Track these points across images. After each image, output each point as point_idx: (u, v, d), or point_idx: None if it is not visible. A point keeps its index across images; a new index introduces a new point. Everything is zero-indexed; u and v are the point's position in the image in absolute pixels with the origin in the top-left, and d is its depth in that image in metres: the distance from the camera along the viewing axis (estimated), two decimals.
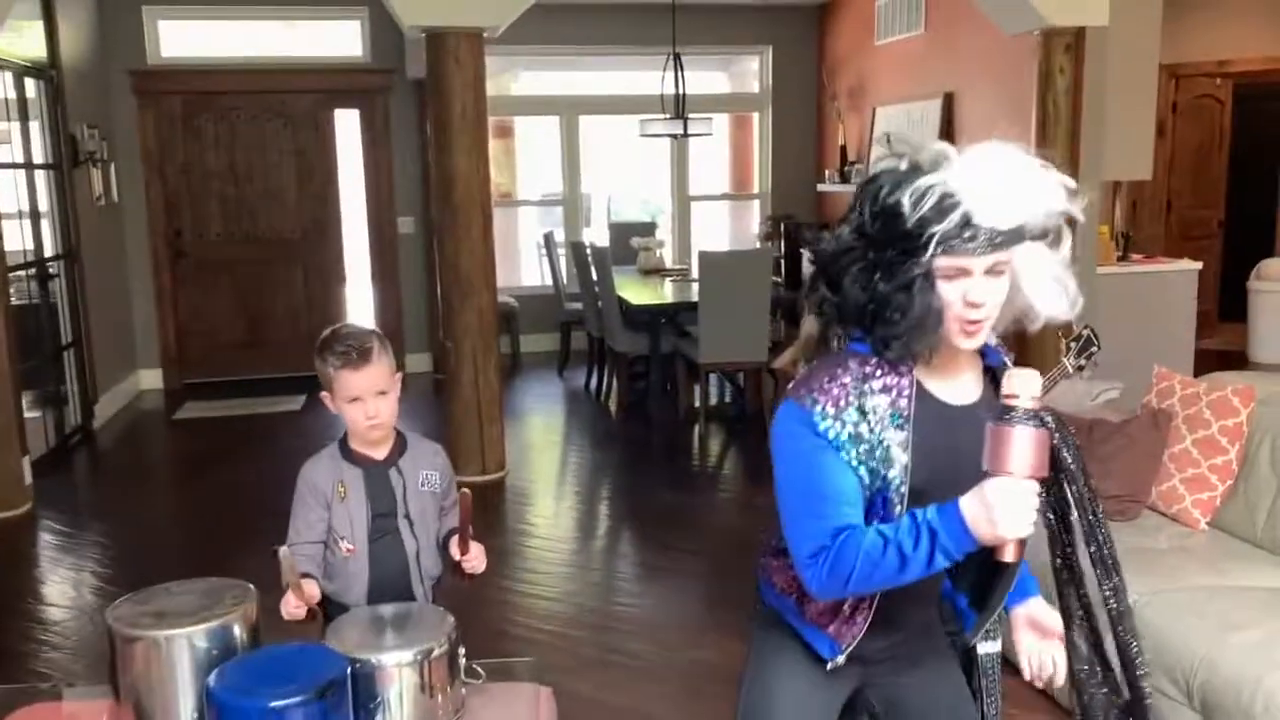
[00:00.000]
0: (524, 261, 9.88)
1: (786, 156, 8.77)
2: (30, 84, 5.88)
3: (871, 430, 1.49)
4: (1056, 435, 1.44)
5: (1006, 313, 1.52)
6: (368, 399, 2.01)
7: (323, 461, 2.10)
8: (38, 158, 5.94)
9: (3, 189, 5.17)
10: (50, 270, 6.07)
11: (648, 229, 8.50)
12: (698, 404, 6.24)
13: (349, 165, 7.79)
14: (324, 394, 2.12)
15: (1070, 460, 1.50)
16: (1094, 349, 2.78)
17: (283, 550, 1.86)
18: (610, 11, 8.05)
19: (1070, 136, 5.41)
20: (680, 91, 7.00)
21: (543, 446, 6.27)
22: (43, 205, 5.99)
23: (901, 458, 1.49)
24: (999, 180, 1.41)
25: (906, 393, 1.51)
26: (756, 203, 9.20)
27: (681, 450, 6.09)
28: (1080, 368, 2.83)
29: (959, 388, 1.57)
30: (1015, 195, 1.41)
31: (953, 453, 1.51)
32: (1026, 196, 1.42)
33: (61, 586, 4.22)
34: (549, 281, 8.10)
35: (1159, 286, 5.75)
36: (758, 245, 8.49)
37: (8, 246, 5.16)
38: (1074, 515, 1.55)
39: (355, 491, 2.05)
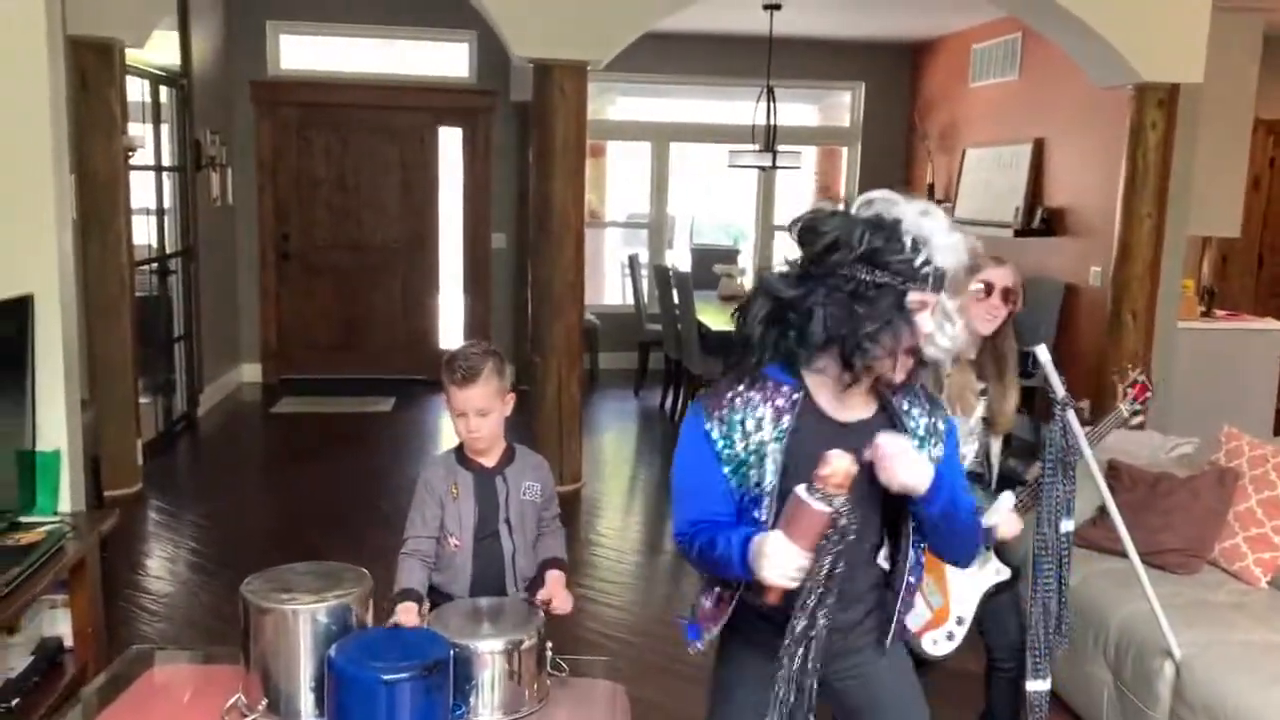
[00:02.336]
0: (607, 280, 10.13)
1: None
2: (164, 91, 6.30)
3: (749, 441, 1.73)
4: (842, 518, 1.62)
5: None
6: (470, 415, 2.23)
7: (439, 464, 2.33)
8: (165, 160, 6.36)
9: (136, 188, 5.55)
10: (170, 266, 6.48)
11: (730, 255, 8.69)
12: None
13: (449, 181, 8.12)
14: (445, 401, 2.35)
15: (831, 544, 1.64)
16: (1149, 395, 2.86)
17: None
18: (708, 43, 8.27)
19: (1158, 190, 5.44)
20: (771, 123, 7.18)
21: (616, 462, 6.47)
22: (166, 204, 6.41)
23: (773, 466, 1.72)
24: (941, 228, 1.67)
25: (791, 411, 1.73)
26: None
27: None
28: (1135, 412, 2.92)
29: (852, 406, 1.77)
30: (953, 245, 1.68)
31: None
32: (959, 248, 1.69)
33: (166, 563, 4.54)
34: (630, 301, 8.32)
35: (1242, 344, 5.74)
36: None
37: (135, 241, 5.54)
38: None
39: (466, 493, 2.28)
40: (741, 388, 1.76)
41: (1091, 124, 6.17)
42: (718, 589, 1.86)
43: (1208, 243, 6.95)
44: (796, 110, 9.13)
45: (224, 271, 7.53)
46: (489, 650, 1.99)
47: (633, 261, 8.12)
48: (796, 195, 9.74)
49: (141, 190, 5.96)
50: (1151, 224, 5.44)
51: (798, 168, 7.61)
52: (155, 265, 6.28)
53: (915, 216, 1.65)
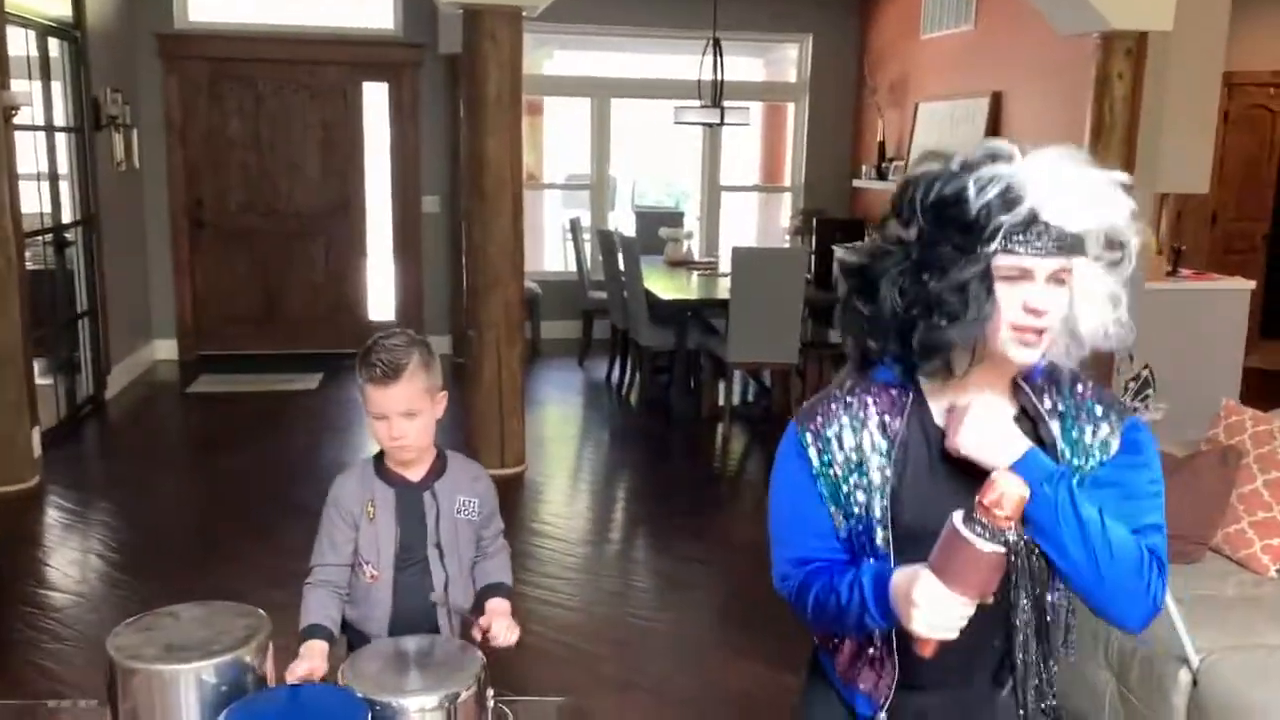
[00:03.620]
0: (547, 246, 9.73)
1: (821, 150, 8.55)
2: (54, 44, 5.72)
3: (851, 460, 1.38)
4: (1016, 560, 1.27)
5: (1059, 336, 1.35)
6: (393, 418, 1.85)
7: (352, 479, 1.94)
8: (59, 120, 5.79)
9: (23, 151, 5.01)
10: (67, 237, 5.93)
11: (675, 218, 8.32)
12: (722, 402, 6.07)
13: (374, 141, 7.61)
14: (362, 402, 1.96)
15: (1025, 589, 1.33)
16: (1150, 391, 2.61)
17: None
18: None
19: (1125, 145, 5.20)
20: (719, 78, 6.80)
21: (560, 440, 6.11)
22: (62, 169, 5.85)
23: (881, 488, 1.37)
24: (1070, 179, 1.28)
25: (900, 416, 1.39)
26: (788, 196, 8.99)
27: (703, 451, 5.93)
28: (1135, 410, 2.65)
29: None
30: (1086, 198, 1.28)
31: (961, 484, 1.35)
32: (1096, 203, 1.29)
33: (67, 570, 4.09)
34: (572, 267, 7.93)
35: (1209, 304, 5.54)
36: (786, 239, 8.30)
37: (25, 210, 5.01)
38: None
39: (384, 513, 1.90)
40: (842, 395, 1.41)
41: (1053, 75, 5.89)
42: (872, 649, 1.46)
43: (1165, 199, 6.76)
44: (742, 64, 8.74)
45: (131, 241, 6.96)
46: (418, 708, 1.62)
47: (574, 225, 7.71)
48: (743, 154, 9.40)
49: (30, 154, 5.40)
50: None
51: (746, 124, 7.25)
52: (50, 236, 5.73)
53: (1023, 163, 1.28)
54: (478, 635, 1.88)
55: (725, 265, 6.47)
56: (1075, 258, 1.30)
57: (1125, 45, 5.11)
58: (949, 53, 7.14)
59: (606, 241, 6.75)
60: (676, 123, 7.06)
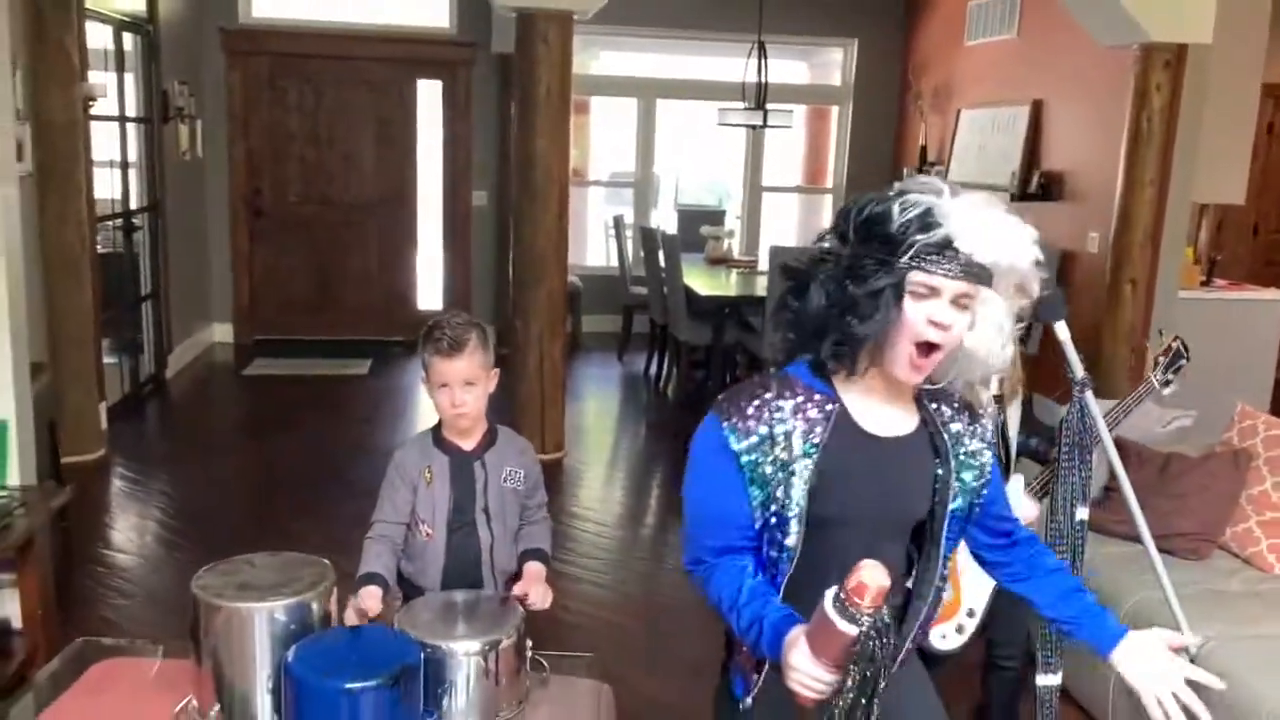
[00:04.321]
0: (590, 241, 9.91)
1: (863, 153, 8.67)
2: (128, 38, 6.01)
3: (776, 454, 1.51)
4: (873, 642, 1.33)
5: (948, 360, 1.51)
6: (455, 387, 2.05)
7: (414, 447, 2.15)
8: (130, 111, 6.08)
9: (98, 140, 5.29)
10: (135, 222, 6.22)
11: (716, 216, 8.48)
12: None
13: (428, 135, 7.85)
14: (422, 377, 2.16)
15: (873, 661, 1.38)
16: (1183, 362, 2.70)
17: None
18: None
19: (1162, 156, 5.27)
20: (763, 81, 6.94)
21: (598, 429, 6.30)
22: (131, 157, 6.13)
23: (802, 485, 1.50)
24: (983, 216, 1.45)
25: (824, 421, 1.52)
26: (829, 197, 9.11)
27: None
28: (1168, 382, 2.76)
29: (891, 419, 1.57)
30: (995, 234, 1.45)
31: (874, 484, 1.54)
32: (1005, 240, 1.46)
33: (130, 535, 4.35)
34: (614, 263, 8.11)
35: (1242, 314, 5.60)
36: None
37: (97, 195, 5.29)
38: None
39: (440, 479, 2.10)
40: (769, 394, 1.53)
41: (1093, 85, 5.97)
42: None
43: (1205, 210, 6.79)
44: (787, 67, 8.88)
45: (193, 228, 7.26)
46: (464, 652, 1.82)
47: (618, 222, 7.90)
48: (785, 155, 9.52)
49: (105, 142, 5.69)
50: (1154, 190, 5.28)
51: (789, 127, 7.38)
52: (120, 221, 6.02)
53: (949, 197, 1.45)
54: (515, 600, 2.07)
55: (764, 264, 6.61)
56: (981, 286, 1.46)
57: (1164, 57, 5.19)
58: (991, 60, 7.22)
59: (649, 238, 6.93)
60: (720, 124, 7.21)
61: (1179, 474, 3.12)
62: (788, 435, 1.51)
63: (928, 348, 1.47)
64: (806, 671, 1.36)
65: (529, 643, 1.94)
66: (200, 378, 6.91)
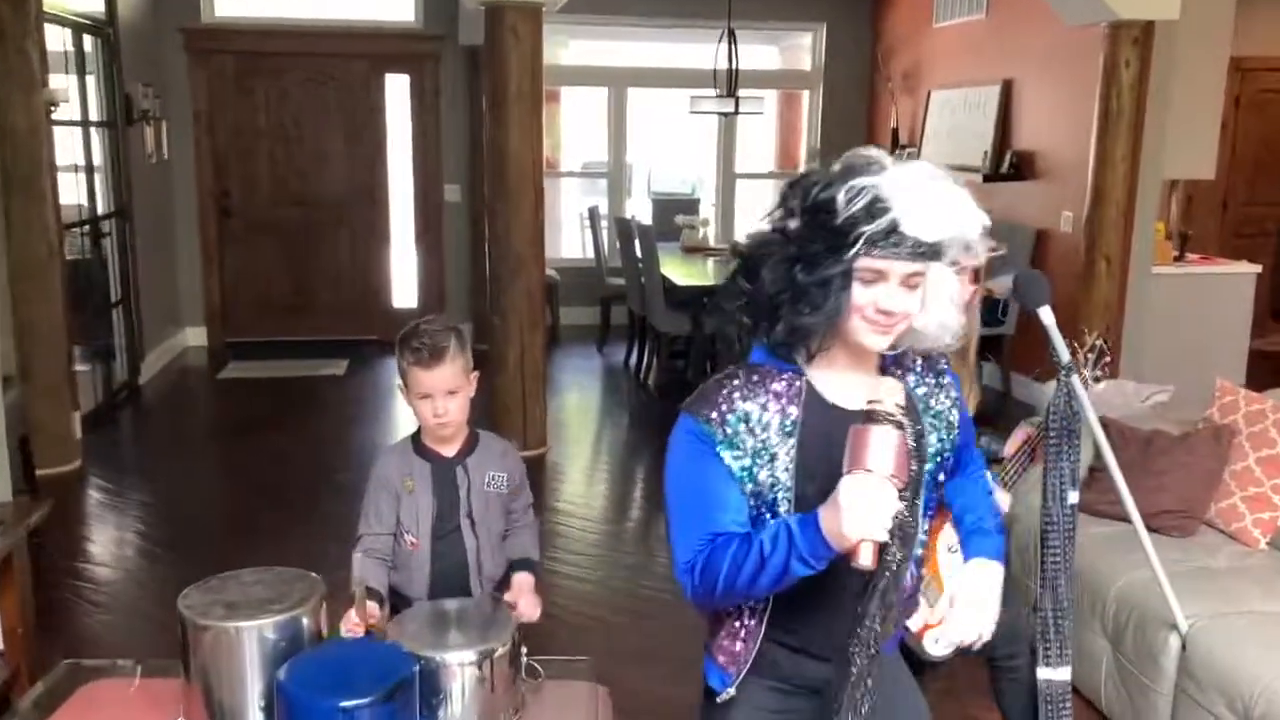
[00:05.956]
0: (565, 233, 9.87)
1: (836, 137, 8.65)
2: (88, 40, 5.90)
3: (755, 438, 1.49)
4: (912, 441, 1.41)
5: (907, 332, 1.52)
6: (437, 397, 2.02)
7: (394, 455, 2.12)
8: (94, 115, 5.97)
9: (61, 145, 5.19)
10: (103, 227, 6.12)
11: (691, 205, 8.45)
12: None
13: (398, 131, 7.77)
14: (399, 385, 2.13)
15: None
16: (1106, 359, 2.71)
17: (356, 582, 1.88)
18: None
19: (1132, 132, 5.30)
20: (733, 67, 6.92)
21: (581, 423, 6.28)
22: (97, 161, 6.03)
23: (787, 466, 1.49)
24: (929, 194, 1.42)
25: (796, 400, 1.51)
26: None
27: None
28: (1097, 379, 2.77)
29: (858, 389, 1.53)
30: (942, 212, 1.43)
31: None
32: (952, 217, 1.44)
33: (109, 546, 4.29)
34: (591, 254, 8.08)
35: (1215, 288, 5.65)
36: None
37: (63, 201, 5.19)
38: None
39: (422, 487, 2.07)
40: (736, 383, 1.52)
41: (1062, 63, 5.99)
42: (739, 622, 1.62)
43: (1175, 185, 6.84)
44: (757, 52, 8.85)
45: (162, 230, 7.16)
46: (459, 662, 1.79)
47: (593, 214, 7.86)
48: (758, 141, 9.51)
49: (69, 148, 5.59)
50: (1126, 167, 5.31)
51: (760, 113, 7.37)
52: (87, 226, 5.92)
53: (891, 173, 1.43)
54: (509, 598, 2.05)
55: None
56: (930, 264, 1.45)
57: (1132, 34, 5.21)
58: (961, 41, 7.23)
59: (624, 229, 6.90)
60: (692, 112, 7.19)
61: (1162, 452, 3.13)
62: (763, 422, 1.50)
63: (884, 323, 1.46)
64: (861, 488, 1.33)
65: (524, 649, 1.92)
66: (175, 383, 6.83)
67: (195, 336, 7.63)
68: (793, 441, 1.50)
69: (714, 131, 8.79)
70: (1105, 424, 3.27)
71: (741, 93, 6.97)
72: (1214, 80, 5.67)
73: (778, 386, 1.52)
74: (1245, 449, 3.06)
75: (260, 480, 5.07)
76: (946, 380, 1.66)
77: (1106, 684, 2.83)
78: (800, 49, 8.99)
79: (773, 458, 1.50)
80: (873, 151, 1.47)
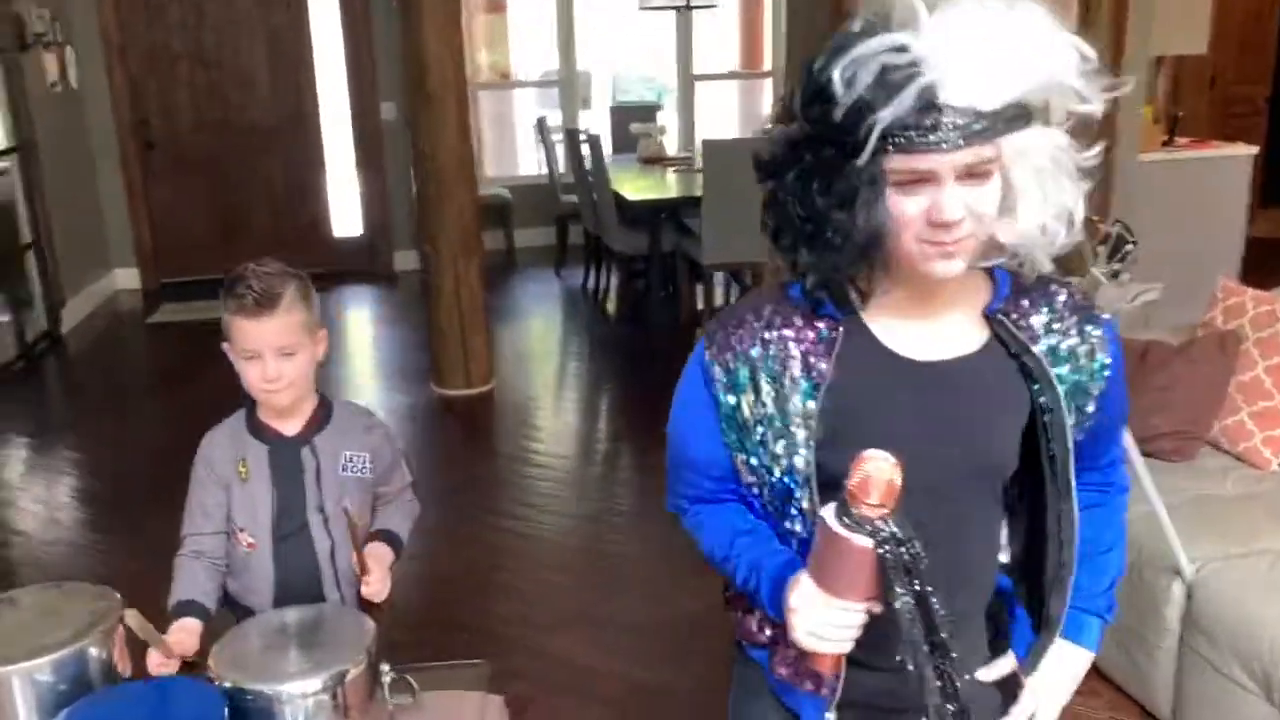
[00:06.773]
0: (521, 149, 9.34)
1: (803, 29, 8.07)
2: None
3: (762, 395, 1.13)
4: (902, 549, 0.99)
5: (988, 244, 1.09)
6: (267, 356, 1.62)
7: (223, 434, 1.72)
8: None
9: None
10: (2, 164, 5.61)
11: (649, 112, 7.91)
12: (701, 306, 5.81)
13: (327, 47, 7.20)
14: (225, 344, 1.72)
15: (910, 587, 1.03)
16: (1128, 247, 2.28)
17: (129, 614, 1.44)
18: None
19: (1118, 4, 4.82)
20: None
21: (533, 355, 5.88)
22: None
23: (804, 439, 1.11)
24: (980, 38, 0.96)
25: (829, 352, 1.11)
26: (769, 82, 8.55)
27: (682, 360, 5.69)
28: (1115, 274, 2.37)
29: (939, 336, 1.14)
30: (1005, 59, 0.96)
31: (915, 425, 1.11)
32: (1022, 60, 0.97)
33: (38, 510, 3.92)
34: (545, 171, 7.59)
35: (1208, 173, 5.23)
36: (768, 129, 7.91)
37: None
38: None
39: (259, 473, 1.67)
40: (758, 321, 1.15)
41: None
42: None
43: (1160, 63, 6.37)
44: None
45: (77, 166, 6.63)
46: (299, 693, 1.42)
47: (541, 125, 7.34)
48: (720, 40, 8.94)
49: None
50: (1110, 40, 4.84)
51: (714, 5, 6.81)
52: None
53: (923, 26, 0.96)
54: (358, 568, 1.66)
55: (700, 160, 6.13)
56: (1010, 135, 1.00)
57: None
58: None
59: (573, 141, 6.41)
60: (642, 8, 6.65)
61: (1158, 364, 2.76)
62: (777, 374, 1.12)
63: (947, 243, 1.03)
64: (815, 610, 1.03)
65: (385, 666, 1.54)
66: (102, 330, 6.38)
67: (127, 279, 7.15)
68: (813, 407, 1.10)
69: (671, 31, 8.21)
70: None
71: None
72: None
73: (807, 335, 1.13)
74: (1254, 356, 2.69)
75: (197, 431, 4.66)
76: (1098, 334, 1.18)
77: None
78: None
79: (787, 425, 1.11)
80: (912, 1, 0.98)
